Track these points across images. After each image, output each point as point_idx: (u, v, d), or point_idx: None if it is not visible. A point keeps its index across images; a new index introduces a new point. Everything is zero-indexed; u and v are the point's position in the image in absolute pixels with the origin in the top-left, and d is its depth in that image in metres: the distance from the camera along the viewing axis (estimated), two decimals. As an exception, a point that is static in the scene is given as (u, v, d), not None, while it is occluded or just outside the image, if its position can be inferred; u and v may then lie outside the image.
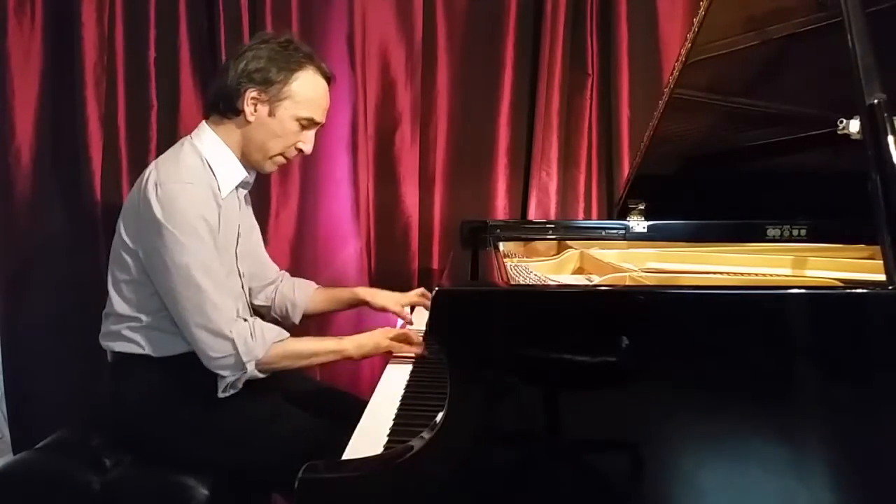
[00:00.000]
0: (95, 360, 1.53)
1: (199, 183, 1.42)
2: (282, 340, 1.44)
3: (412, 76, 2.13)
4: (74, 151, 2.08)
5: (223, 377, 1.39)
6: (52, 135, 2.13)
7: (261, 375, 1.43)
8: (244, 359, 1.37)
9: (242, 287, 1.59)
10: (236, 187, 1.53)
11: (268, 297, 1.74)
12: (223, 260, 1.46)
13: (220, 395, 1.41)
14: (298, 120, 1.48)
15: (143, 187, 1.40)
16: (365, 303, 1.76)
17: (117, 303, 1.47)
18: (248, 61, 1.45)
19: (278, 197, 2.14)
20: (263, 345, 1.40)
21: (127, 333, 1.46)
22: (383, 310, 1.75)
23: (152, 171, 1.42)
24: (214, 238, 1.42)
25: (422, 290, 1.80)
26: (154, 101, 2.09)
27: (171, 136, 2.02)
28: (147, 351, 1.45)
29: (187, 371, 1.41)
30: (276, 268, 1.78)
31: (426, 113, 2.17)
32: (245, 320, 1.42)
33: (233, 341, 1.37)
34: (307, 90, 1.48)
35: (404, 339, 1.51)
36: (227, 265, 1.49)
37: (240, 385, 1.42)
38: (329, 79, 1.53)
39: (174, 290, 1.37)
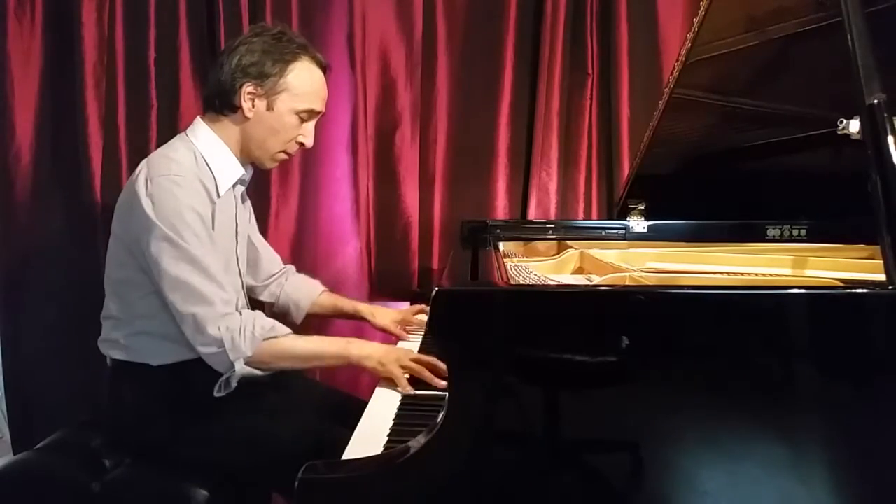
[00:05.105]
0: (96, 360, 1.52)
1: (189, 177, 1.39)
2: (275, 338, 1.37)
3: (412, 76, 2.13)
4: (74, 151, 2.07)
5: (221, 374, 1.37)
6: (52, 135, 2.12)
7: (258, 372, 1.39)
8: (231, 356, 1.33)
9: (242, 286, 1.59)
10: (233, 185, 1.51)
11: (272, 294, 1.74)
12: (219, 256, 1.43)
13: (216, 394, 1.37)
14: (297, 113, 1.46)
15: (134, 183, 1.39)
16: (364, 320, 1.77)
17: (112, 305, 1.47)
18: (241, 55, 1.43)
19: (278, 197, 2.14)
20: (252, 342, 1.34)
21: (125, 342, 1.44)
22: (383, 330, 1.75)
23: (143, 167, 1.40)
24: (208, 232, 1.38)
25: (420, 307, 1.81)
26: (154, 101, 2.08)
27: (170, 136, 1.94)
28: (145, 360, 1.43)
29: (186, 378, 1.40)
30: (279, 260, 1.77)
31: (426, 113, 2.17)
32: (241, 314, 1.37)
33: (220, 339, 1.32)
34: (304, 81, 1.46)
35: (428, 365, 1.38)
36: (225, 261, 1.47)
37: (233, 384, 1.37)
38: (325, 68, 1.51)
39: (166, 286, 1.34)
